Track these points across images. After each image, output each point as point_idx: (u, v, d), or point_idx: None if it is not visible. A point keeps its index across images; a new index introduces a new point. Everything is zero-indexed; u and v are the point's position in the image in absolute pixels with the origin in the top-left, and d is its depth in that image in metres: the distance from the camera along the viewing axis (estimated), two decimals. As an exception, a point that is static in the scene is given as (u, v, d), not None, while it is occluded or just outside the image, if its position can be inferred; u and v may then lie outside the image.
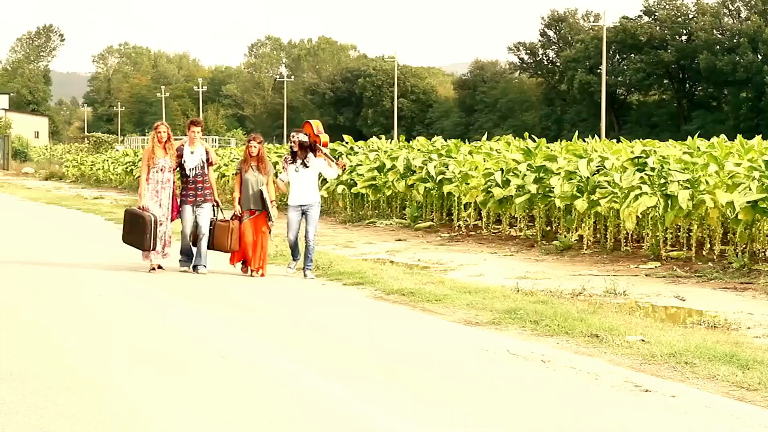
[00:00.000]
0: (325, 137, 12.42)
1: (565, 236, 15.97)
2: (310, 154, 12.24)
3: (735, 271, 12.67)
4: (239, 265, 12.54)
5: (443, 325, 9.03)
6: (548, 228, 17.46)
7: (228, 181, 31.03)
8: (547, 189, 16.32)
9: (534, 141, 18.88)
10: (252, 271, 12.34)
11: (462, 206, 18.96)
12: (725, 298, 11.11)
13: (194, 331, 8.50)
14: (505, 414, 5.94)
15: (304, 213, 12.23)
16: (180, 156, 12.34)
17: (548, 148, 18.33)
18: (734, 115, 75.00)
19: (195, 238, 12.46)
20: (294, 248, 12.45)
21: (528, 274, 13.15)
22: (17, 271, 12.34)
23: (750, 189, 12.81)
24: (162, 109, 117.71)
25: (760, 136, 16.52)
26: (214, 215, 12.54)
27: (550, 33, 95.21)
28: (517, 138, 22.17)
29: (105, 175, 44.94)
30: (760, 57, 73.94)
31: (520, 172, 16.98)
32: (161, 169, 12.22)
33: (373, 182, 21.77)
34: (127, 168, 41.90)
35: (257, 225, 12.30)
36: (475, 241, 17.61)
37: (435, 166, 19.86)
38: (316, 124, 12.52)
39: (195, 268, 12.38)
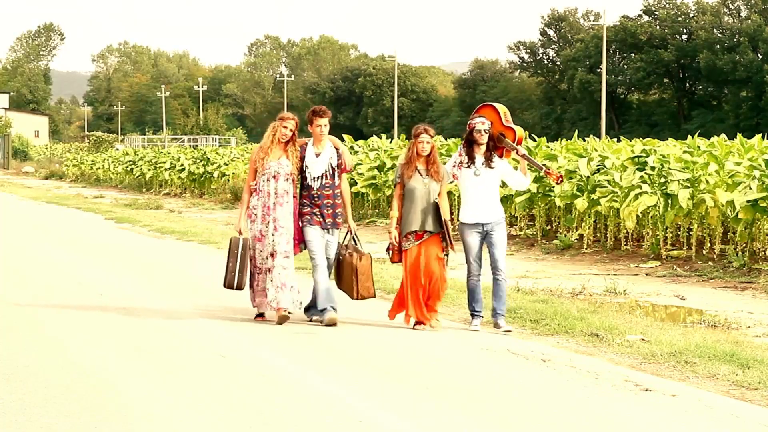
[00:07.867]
0: (519, 131, 8.71)
1: (565, 235, 15.97)
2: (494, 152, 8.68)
3: (735, 270, 12.67)
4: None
5: (443, 324, 9.02)
6: (548, 227, 17.45)
7: (228, 180, 30.87)
8: (547, 188, 16.32)
9: (534, 140, 18.88)
10: (418, 322, 8.63)
11: (462, 205, 18.93)
12: (725, 297, 11.11)
13: (194, 331, 8.49)
14: (505, 413, 5.93)
15: (485, 235, 8.62)
16: (302, 159, 8.84)
17: (548, 147, 18.34)
18: (734, 114, 74.95)
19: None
20: (476, 290, 8.68)
21: (528, 273, 13.14)
22: (16, 271, 12.33)
23: (750, 188, 12.81)
24: (162, 108, 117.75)
25: (761, 135, 16.51)
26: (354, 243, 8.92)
27: (551, 32, 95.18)
28: (517, 137, 22.14)
29: (105, 174, 44.91)
30: (760, 56, 73.93)
31: (520, 171, 16.95)
32: (274, 177, 8.73)
33: (373, 181, 21.76)
34: (127, 167, 41.84)
35: (429, 254, 8.53)
36: (475, 240, 17.59)
37: (435, 165, 19.83)
38: (503, 111, 8.72)
39: (322, 312, 8.72)
